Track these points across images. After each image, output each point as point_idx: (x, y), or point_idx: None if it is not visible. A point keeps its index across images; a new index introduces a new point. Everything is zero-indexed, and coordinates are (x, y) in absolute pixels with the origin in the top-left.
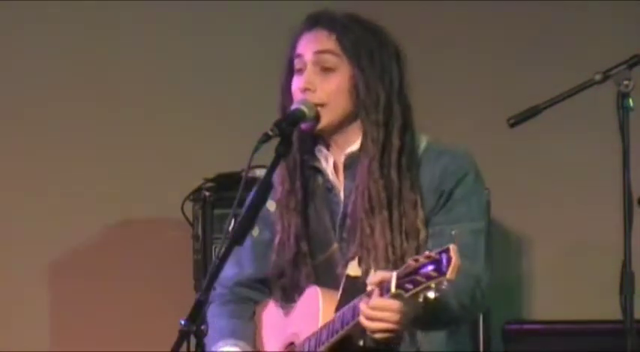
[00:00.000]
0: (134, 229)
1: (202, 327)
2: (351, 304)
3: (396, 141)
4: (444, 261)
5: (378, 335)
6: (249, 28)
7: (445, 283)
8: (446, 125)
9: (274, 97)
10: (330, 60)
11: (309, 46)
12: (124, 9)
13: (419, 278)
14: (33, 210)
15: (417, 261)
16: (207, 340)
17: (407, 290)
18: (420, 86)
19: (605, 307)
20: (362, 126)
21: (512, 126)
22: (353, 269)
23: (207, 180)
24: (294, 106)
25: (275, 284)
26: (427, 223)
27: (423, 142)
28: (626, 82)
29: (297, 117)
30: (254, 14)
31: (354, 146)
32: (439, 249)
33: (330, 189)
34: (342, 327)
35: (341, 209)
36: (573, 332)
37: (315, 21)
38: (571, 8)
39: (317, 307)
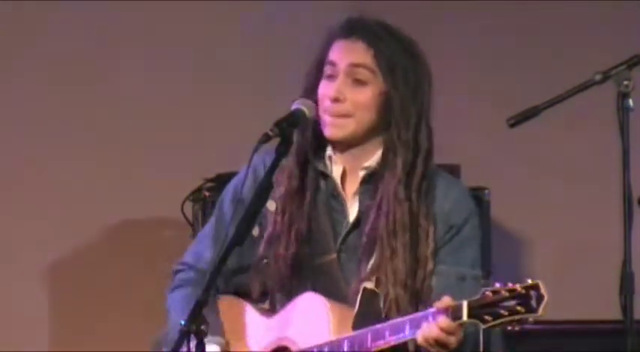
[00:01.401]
0: (134, 229)
1: (202, 327)
2: (393, 323)
3: (420, 166)
4: (534, 297)
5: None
6: (250, 28)
7: (531, 320)
8: (446, 125)
9: (274, 98)
10: (364, 73)
11: (345, 57)
12: (125, 8)
13: (501, 311)
14: (33, 210)
15: (495, 293)
16: (175, 324)
17: (485, 322)
18: None
19: (605, 307)
20: (386, 142)
21: (512, 126)
22: (369, 283)
23: (207, 180)
24: (294, 106)
25: (255, 279)
26: (434, 255)
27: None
28: (626, 82)
29: (298, 117)
30: (254, 14)
31: (372, 161)
32: (523, 284)
33: (334, 196)
34: (377, 344)
35: (348, 220)
36: (573, 332)
37: (352, 29)
38: (571, 8)
39: (325, 317)
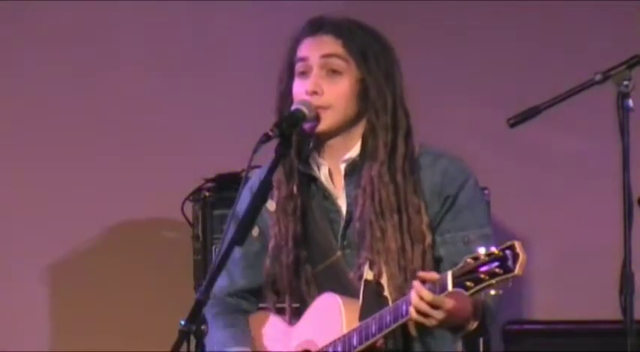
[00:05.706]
0: (134, 230)
1: (202, 327)
2: (393, 306)
3: (401, 146)
4: (510, 257)
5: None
6: (250, 28)
7: (511, 280)
8: (446, 125)
9: (274, 98)
10: (337, 63)
11: (316, 50)
12: (125, 8)
13: (482, 276)
14: (33, 211)
15: (475, 259)
16: None
17: (468, 289)
18: (421, 86)
19: (605, 307)
20: (365, 130)
21: (512, 126)
22: (369, 273)
23: (207, 180)
24: (294, 107)
25: (268, 289)
26: (432, 228)
27: (416, 146)
28: (626, 82)
29: (298, 118)
30: (254, 15)
31: (353, 152)
32: (500, 247)
33: (326, 197)
34: (381, 330)
35: (343, 216)
36: (573, 332)
37: (318, 26)
38: (571, 8)
39: (338, 315)
